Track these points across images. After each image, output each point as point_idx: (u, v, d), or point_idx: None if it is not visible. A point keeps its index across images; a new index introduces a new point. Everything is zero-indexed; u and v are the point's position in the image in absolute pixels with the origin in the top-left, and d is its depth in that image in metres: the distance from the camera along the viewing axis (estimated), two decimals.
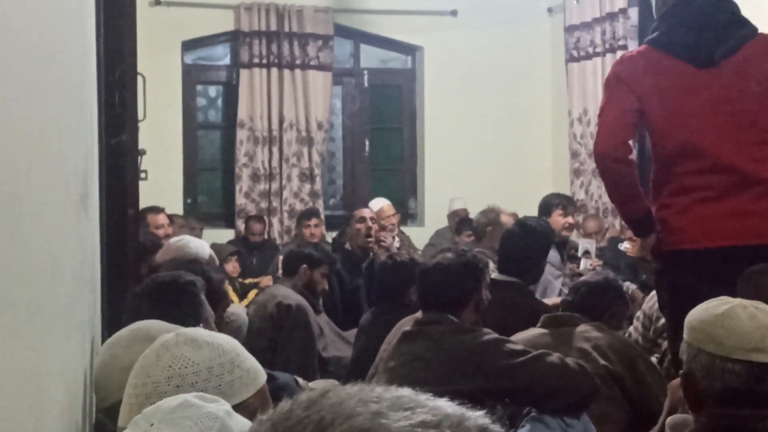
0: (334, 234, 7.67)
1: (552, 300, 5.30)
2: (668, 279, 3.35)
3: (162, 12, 7.98)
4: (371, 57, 9.12)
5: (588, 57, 8.17)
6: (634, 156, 3.43)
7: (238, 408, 1.57)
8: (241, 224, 8.14)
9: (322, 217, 7.99)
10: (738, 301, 2.13)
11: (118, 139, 3.90)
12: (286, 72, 8.33)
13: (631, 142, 3.38)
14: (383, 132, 9.28)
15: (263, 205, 8.34)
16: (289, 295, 5.10)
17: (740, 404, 2.01)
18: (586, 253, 6.16)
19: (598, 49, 8.03)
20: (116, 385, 2.08)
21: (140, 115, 4.27)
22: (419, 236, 8.08)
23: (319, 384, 4.39)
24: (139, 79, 4.20)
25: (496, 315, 3.67)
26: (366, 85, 8.99)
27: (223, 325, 3.41)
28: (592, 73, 8.10)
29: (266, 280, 6.56)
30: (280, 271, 5.86)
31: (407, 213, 8.92)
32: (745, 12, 3.37)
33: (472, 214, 6.95)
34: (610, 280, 4.12)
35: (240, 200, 8.30)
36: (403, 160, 9.17)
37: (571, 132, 8.33)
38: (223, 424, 1.44)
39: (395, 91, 9.19)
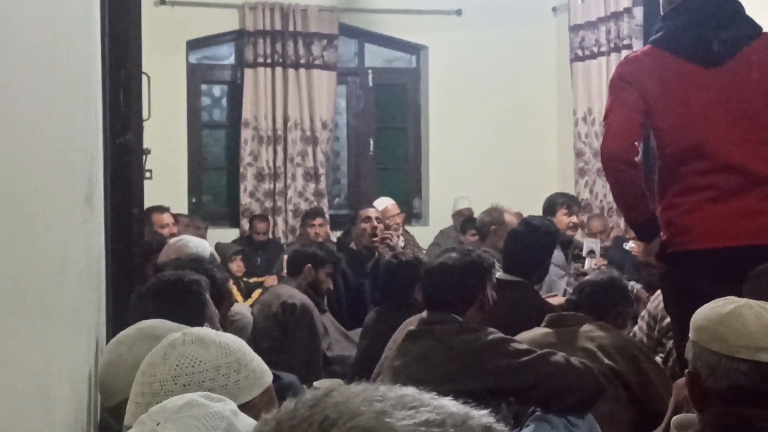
0: (339, 233, 7.67)
1: (556, 299, 5.30)
2: (674, 279, 3.34)
3: (167, 11, 7.98)
4: (376, 56, 9.12)
5: (593, 56, 8.16)
6: (639, 158, 3.42)
7: (245, 408, 1.57)
8: (245, 223, 8.14)
9: (327, 216, 7.99)
10: (744, 300, 2.13)
11: (123, 139, 3.90)
12: (291, 71, 8.34)
13: (637, 143, 3.37)
14: (388, 131, 9.27)
15: (268, 204, 8.34)
16: (293, 294, 5.10)
17: (746, 403, 2.01)
18: (591, 252, 6.15)
19: (603, 49, 8.03)
20: (121, 385, 2.08)
21: (145, 115, 4.27)
22: (424, 236, 8.08)
23: (323, 383, 4.39)
24: (144, 78, 4.20)
25: (500, 314, 3.67)
26: (370, 84, 8.99)
27: (227, 324, 3.42)
28: (596, 72, 8.10)
29: (271, 280, 6.56)
30: (285, 271, 5.86)
31: (412, 212, 8.91)
32: (750, 11, 3.36)
33: (477, 214, 6.95)
34: (615, 279, 4.12)
35: (245, 199, 8.31)
36: (408, 160, 9.17)
37: (576, 131, 8.33)
38: (230, 423, 1.44)
39: (400, 90, 9.19)
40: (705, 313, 2.13)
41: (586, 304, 3.94)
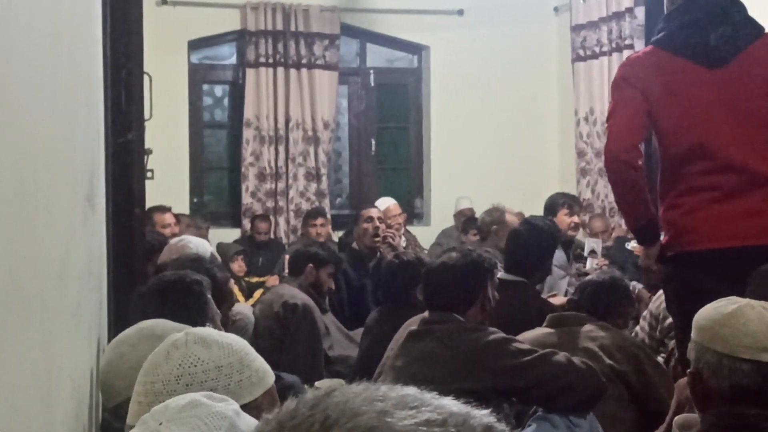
0: (341, 233, 7.67)
1: (558, 299, 5.30)
2: (677, 279, 3.34)
3: (168, 11, 7.99)
4: (377, 56, 9.12)
5: (594, 56, 8.16)
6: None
7: (247, 408, 1.58)
8: (247, 223, 8.14)
9: (329, 216, 8.00)
10: (746, 301, 2.13)
11: (125, 139, 3.90)
12: (293, 71, 8.34)
13: (640, 145, 3.36)
14: (389, 131, 9.28)
15: (269, 204, 8.34)
16: (295, 294, 5.10)
17: (748, 403, 2.01)
18: (592, 252, 6.15)
19: (605, 49, 8.03)
20: (123, 384, 2.08)
21: (146, 115, 4.27)
22: (425, 236, 8.07)
23: (325, 383, 4.39)
24: (146, 78, 4.20)
25: (502, 314, 3.67)
26: (372, 84, 8.99)
27: (228, 324, 3.42)
28: (598, 72, 8.10)
29: (272, 280, 6.56)
30: (286, 271, 5.86)
31: (413, 212, 8.91)
32: (752, 12, 3.35)
33: (479, 214, 6.95)
34: (617, 279, 4.11)
35: (246, 199, 8.31)
36: (410, 160, 9.17)
37: (578, 131, 8.32)
38: (232, 423, 1.44)
39: (401, 90, 9.19)
40: (707, 313, 2.13)
41: (587, 304, 3.93)
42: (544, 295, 4.87)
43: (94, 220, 2.89)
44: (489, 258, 3.52)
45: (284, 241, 8.20)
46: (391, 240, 6.53)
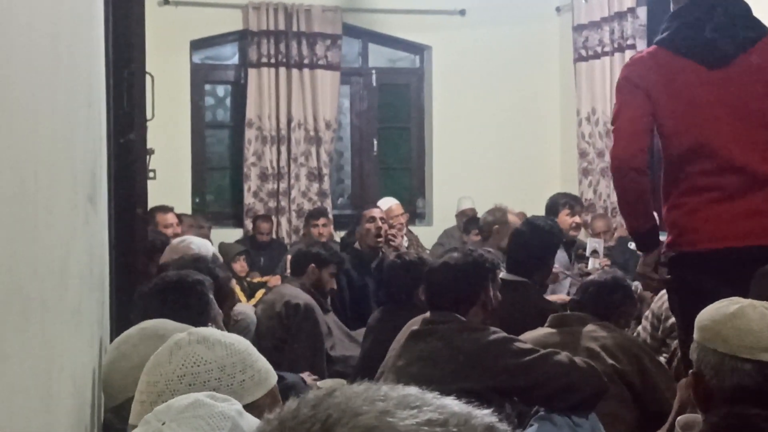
0: (342, 233, 7.67)
1: (559, 297, 5.30)
2: (679, 280, 3.33)
3: (170, 11, 7.99)
4: (379, 56, 9.12)
5: (596, 56, 8.16)
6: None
7: (249, 408, 1.57)
8: (249, 223, 8.15)
9: (331, 216, 8.00)
10: (748, 301, 2.13)
11: (127, 139, 3.90)
12: (295, 71, 8.34)
13: (647, 147, 3.35)
14: (391, 131, 9.28)
15: (271, 204, 8.34)
16: (297, 294, 5.10)
17: (750, 403, 2.01)
18: (594, 252, 6.14)
19: (607, 49, 8.02)
20: (125, 384, 2.09)
21: (149, 115, 4.27)
22: (427, 236, 8.07)
23: (327, 383, 4.39)
24: (148, 78, 4.20)
25: (504, 314, 3.67)
26: (374, 84, 8.99)
27: (230, 323, 3.42)
28: (600, 72, 8.09)
29: (274, 280, 6.56)
30: (288, 271, 5.86)
31: (415, 212, 8.91)
32: (756, 12, 3.34)
33: (481, 214, 6.95)
34: (619, 279, 4.11)
35: (248, 199, 8.31)
36: (412, 160, 9.17)
37: (580, 131, 8.32)
38: (235, 423, 1.44)
39: (403, 90, 9.19)
40: (709, 313, 2.13)
41: (589, 304, 3.93)
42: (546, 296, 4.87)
43: (96, 220, 2.89)
44: (490, 258, 3.52)
45: (286, 241, 8.21)
46: (392, 241, 6.53)
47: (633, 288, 4.29)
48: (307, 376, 4.63)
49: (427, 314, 3.40)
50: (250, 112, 8.28)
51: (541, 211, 6.27)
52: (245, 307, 5.57)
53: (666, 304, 3.98)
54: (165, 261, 4.10)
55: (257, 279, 6.91)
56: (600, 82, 8.08)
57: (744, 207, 3.20)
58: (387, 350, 3.97)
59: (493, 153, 8.65)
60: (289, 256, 6.22)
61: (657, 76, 3.31)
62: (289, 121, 8.34)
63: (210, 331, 1.79)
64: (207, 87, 8.67)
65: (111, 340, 2.76)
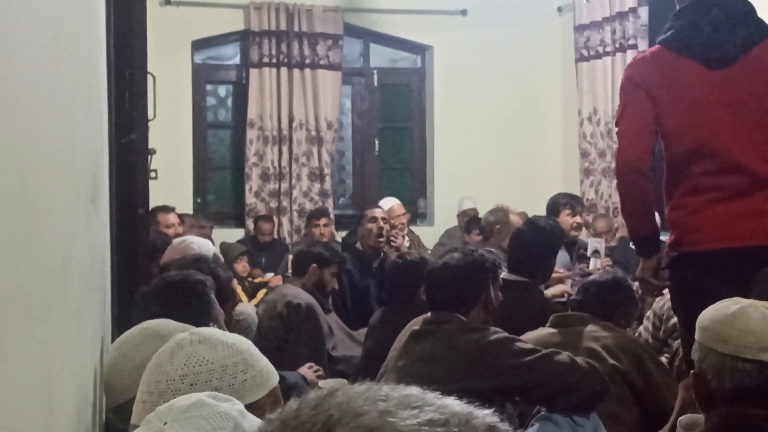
0: (344, 233, 7.67)
1: (558, 288, 5.30)
2: (681, 280, 3.33)
3: (172, 11, 8.00)
4: (381, 56, 9.12)
5: (598, 56, 8.16)
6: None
7: (251, 408, 1.57)
8: (250, 224, 8.15)
9: (332, 216, 8.00)
10: (749, 301, 2.13)
11: (128, 139, 3.90)
12: (296, 71, 8.34)
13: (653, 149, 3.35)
14: (393, 131, 9.28)
15: (273, 204, 8.35)
16: (298, 294, 5.10)
17: (751, 403, 2.01)
18: (596, 252, 6.14)
19: (608, 49, 8.02)
20: (126, 384, 2.09)
21: (150, 115, 4.27)
22: (429, 236, 8.07)
23: (328, 383, 4.39)
24: (149, 78, 4.20)
25: (504, 314, 3.67)
26: (375, 84, 9.00)
27: (232, 323, 3.42)
28: (601, 72, 8.09)
29: (275, 280, 6.56)
30: (290, 271, 5.86)
31: (417, 212, 8.92)
32: (761, 13, 3.33)
33: (482, 214, 6.95)
34: (620, 279, 4.11)
35: (250, 199, 8.31)
36: (413, 160, 9.17)
37: (581, 131, 8.32)
38: (237, 424, 1.44)
39: (405, 90, 9.19)
40: (710, 314, 2.13)
41: (590, 304, 3.93)
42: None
43: (97, 220, 2.89)
44: (491, 258, 3.52)
45: (288, 241, 8.21)
46: (393, 242, 6.53)
47: (634, 288, 4.28)
48: (307, 368, 4.63)
49: (428, 314, 3.40)
50: (252, 112, 8.28)
51: (542, 211, 6.27)
52: (247, 307, 5.57)
53: (668, 304, 3.98)
54: (166, 261, 4.09)
55: (259, 279, 6.91)
56: (601, 82, 8.08)
57: (745, 207, 3.20)
58: (388, 350, 3.97)
59: (495, 153, 8.66)
60: (290, 256, 6.22)
61: (658, 76, 3.30)
62: (291, 121, 8.34)
63: (211, 331, 1.79)
64: (208, 87, 8.68)
65: (112, 341, 2.76)
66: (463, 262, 3.37)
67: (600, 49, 8.12)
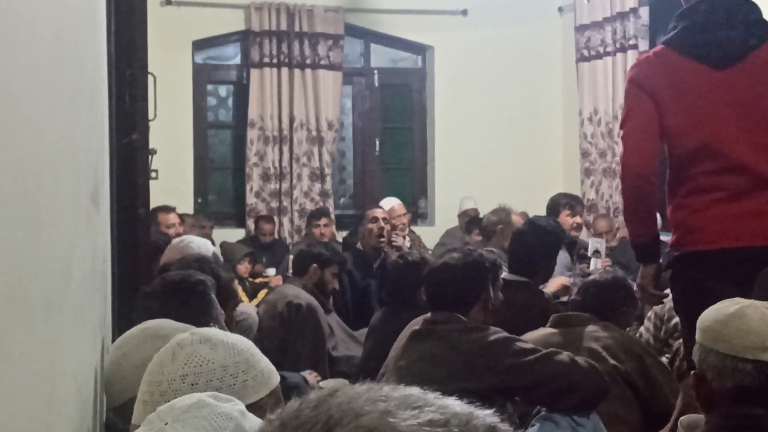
0: (344, 233, 7.67)
1: (558, 281, 5.29)
2: (683, 280, 3.33)
3: (173, 11, 8.00)
4: (381, 56, 9.12)
5: (599, 56, 8.15)
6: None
7: (252, 408, 1.57)
8: (251, 224, 8.15)
9: (333, 216, 8.00)
10: (749, 301, 2.13)
11: (129, 139, 3.91)
12: (297, 71, 8.34)
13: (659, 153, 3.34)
14: (393, 131, 9.28)
15: (273, 204, 8.34)
16: (299, 294, 5.10)
17: (752, 403, 2.01)
18: (596, 252, 6.14)
19: (609, 49, 8.02)
20: (127, 384, 2.09)
21: (151, 115, 4.27)
22: (430, 236, 8.07)
23: (329, 383, 4.39)
24: (150, 78, 4.20)
25: (505, 314, 3.67)
26: (376, 84, 8.99)
27: (233, 323, 3.42)
28: (602, 72, 8.09)
29: (276, 280, 6.57)
30: (291, 271, 5.86)
31: (417, 212, 8.92)
32: (764, 13, 3.33)
33: (483, 214, 6.95)
34: (620, 279, 4.11)
35: (250, 200, 8.31)
36: (414, 160, 9.17)
37: (582, 131, 8.31)
38: (238, 424, 1.44)
39: (405, 90, 9.19)
40: (711, 314, 2.13)
41: (590, 304, 3.93)
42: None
43: (98, 220, 2.89)
44: (491, 258, 3.52)
45: (288, 241, 8.21)
46: (394, 242, 6.53)
47: (635, 288, 4.28)
48: (308, 374, 4.63)
49: (428, 314, 3.40)
50: (252, 113, 8.28)
51: (543, 212, 6.27)
52: (247, 308, 5.57)
53: (669, 304, 3.98)
54: (166, 261, 4.10)
55: (260, 279, 6.91)
56: (602, 82, 8.08)
57: (748, 207, 3.20)
58: (389, 350, 3.97)
59: (495, 153, 8.65)
60: (291, 257, 6.22)
61: (662, 76, 3.30)
62: (291, 121, 8.34)
63: (212, 331, 1.79)
64: (209, 87, 8.68)
65: (113, 340, 2.76)
66: (463, 261, 3.37)
67: (601, 49, 8.12)
